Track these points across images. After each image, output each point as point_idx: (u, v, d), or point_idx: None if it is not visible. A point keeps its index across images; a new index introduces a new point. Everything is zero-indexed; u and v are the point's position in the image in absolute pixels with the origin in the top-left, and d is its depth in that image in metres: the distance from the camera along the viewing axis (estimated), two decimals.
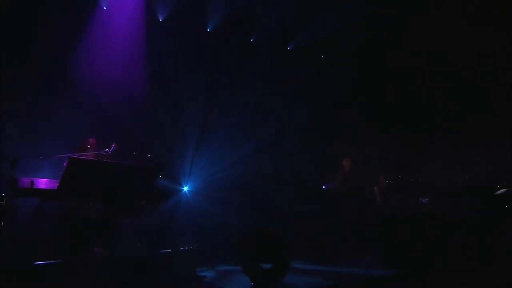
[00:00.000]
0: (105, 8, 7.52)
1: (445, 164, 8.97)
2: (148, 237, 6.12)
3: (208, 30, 9.00)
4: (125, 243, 5.51)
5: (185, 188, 8.11)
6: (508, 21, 8.32)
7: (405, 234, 6.23)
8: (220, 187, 8.36)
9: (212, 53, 8.86)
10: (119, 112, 7.09)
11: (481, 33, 8.57)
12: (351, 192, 8.06)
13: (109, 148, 5.14)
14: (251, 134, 9.09)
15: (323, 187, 9.22)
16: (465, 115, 9.39)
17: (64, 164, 5.31)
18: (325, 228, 7.72)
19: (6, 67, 6.07)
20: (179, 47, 8.41)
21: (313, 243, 7.41)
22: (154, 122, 7.91)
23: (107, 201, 5.06)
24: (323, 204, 8.44)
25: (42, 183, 4.63)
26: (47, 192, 4.51)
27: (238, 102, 9.03)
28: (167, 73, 8.28)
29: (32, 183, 4.36)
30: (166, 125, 8.16)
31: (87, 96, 6.86)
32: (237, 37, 9.29)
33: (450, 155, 9.11)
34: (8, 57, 6.11)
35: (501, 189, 7.34)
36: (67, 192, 4.54)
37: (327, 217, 7.88)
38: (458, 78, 9.40)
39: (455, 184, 8.16)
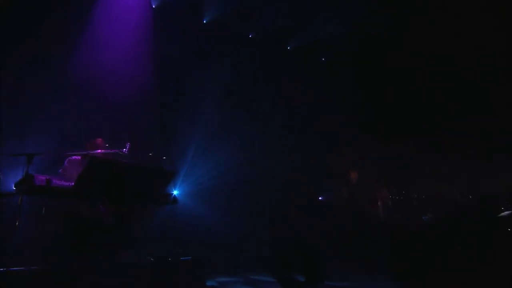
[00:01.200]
0: None
1: (453, 180, 8.67)
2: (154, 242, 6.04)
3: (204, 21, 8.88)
4: (137, 247, 5.38)
5: (175, 192, 8.00)
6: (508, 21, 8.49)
7: (404, 250, 6.36)
8: (211, 192, 8.29)
9: (207, 48, 8.78)
10: (125, 110, 7.09)
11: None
12: (355, 205, 7.93)
13: (125, 148, 5.02)
14: (245, 135, 8.97)
15: (320, 198, 9.13)
16: (479, 125, 9.04)
17: (65, 163, 5.27)
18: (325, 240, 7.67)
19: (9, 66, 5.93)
20: (175, 39, 8.31)
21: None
22: (155, 122, 7.82)
23: (122, 202, 4.93)
24: (321, 214, 8.36)
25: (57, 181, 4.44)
26: (63, 191, 4.32)
27: (233, 101, 8.97)
28: (165, 68, 8.22)
29: (48, 181, 4.17)
30: (163, 126, 8.11)
31: (92, 93, 6.78)
32: (234, 33, 9.19)
33: (460, 170, 8.81)
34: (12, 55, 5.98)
35: (505, 211, 7.15)
36: (84, 191, 4.37)
37: (327, 228, 7.77)
38: (467, 82, 9.28)
39: (458, 203, 8.05)
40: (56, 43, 6.57)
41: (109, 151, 5.09)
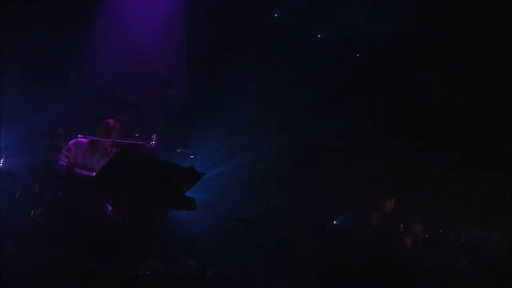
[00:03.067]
0: None
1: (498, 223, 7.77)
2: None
3: None
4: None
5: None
6: None
7: None
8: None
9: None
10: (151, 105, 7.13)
11: None
12: (383, 239, 7.25)
13: (152, 140, 4.70)
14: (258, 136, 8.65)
15: (334, 222, 8.72)
16: None
17: (70, 144, 4.89)
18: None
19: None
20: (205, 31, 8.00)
21: None
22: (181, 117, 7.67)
23: (142, 202, 4.58)
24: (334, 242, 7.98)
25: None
26: (84, 181, 3.95)
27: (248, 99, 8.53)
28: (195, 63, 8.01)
29: (70, 168, 3.80)
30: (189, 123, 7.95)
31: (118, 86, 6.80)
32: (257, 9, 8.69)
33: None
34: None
35: None
36: (105, 185, 4.01)
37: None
38: None
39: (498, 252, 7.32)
40: (79, 31, 6.69)
41: (135, 141, 4.75)
